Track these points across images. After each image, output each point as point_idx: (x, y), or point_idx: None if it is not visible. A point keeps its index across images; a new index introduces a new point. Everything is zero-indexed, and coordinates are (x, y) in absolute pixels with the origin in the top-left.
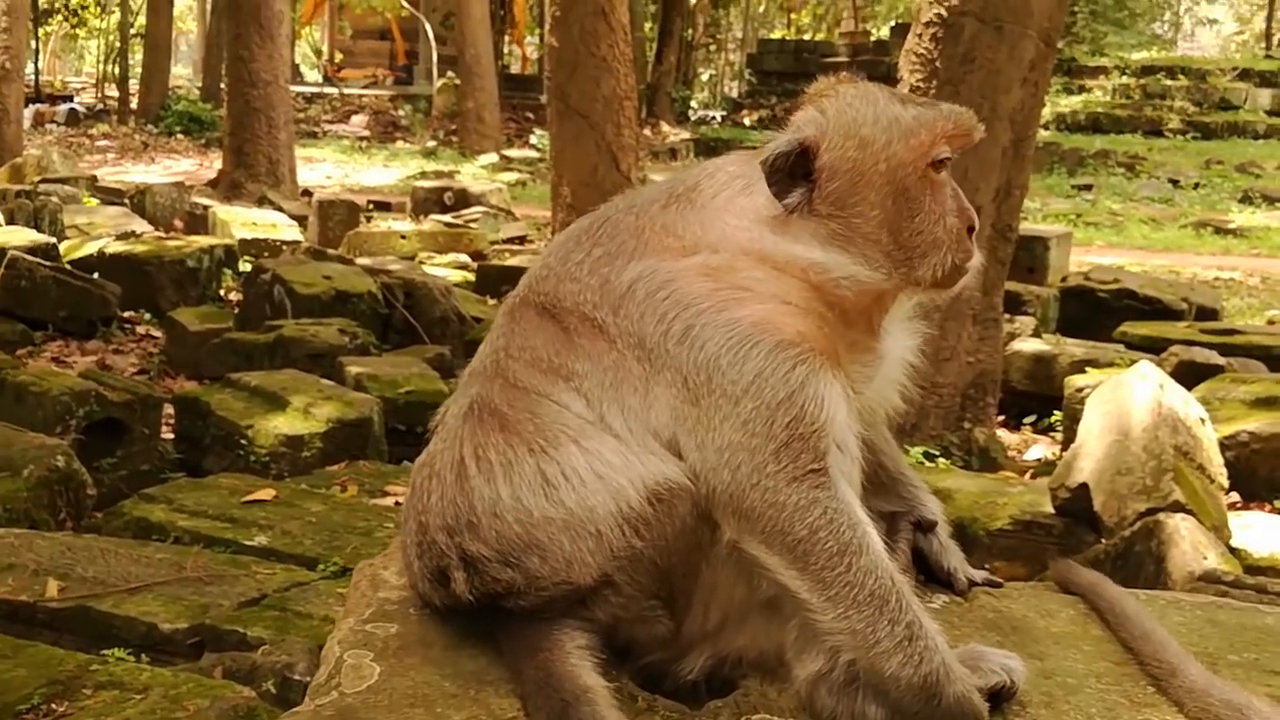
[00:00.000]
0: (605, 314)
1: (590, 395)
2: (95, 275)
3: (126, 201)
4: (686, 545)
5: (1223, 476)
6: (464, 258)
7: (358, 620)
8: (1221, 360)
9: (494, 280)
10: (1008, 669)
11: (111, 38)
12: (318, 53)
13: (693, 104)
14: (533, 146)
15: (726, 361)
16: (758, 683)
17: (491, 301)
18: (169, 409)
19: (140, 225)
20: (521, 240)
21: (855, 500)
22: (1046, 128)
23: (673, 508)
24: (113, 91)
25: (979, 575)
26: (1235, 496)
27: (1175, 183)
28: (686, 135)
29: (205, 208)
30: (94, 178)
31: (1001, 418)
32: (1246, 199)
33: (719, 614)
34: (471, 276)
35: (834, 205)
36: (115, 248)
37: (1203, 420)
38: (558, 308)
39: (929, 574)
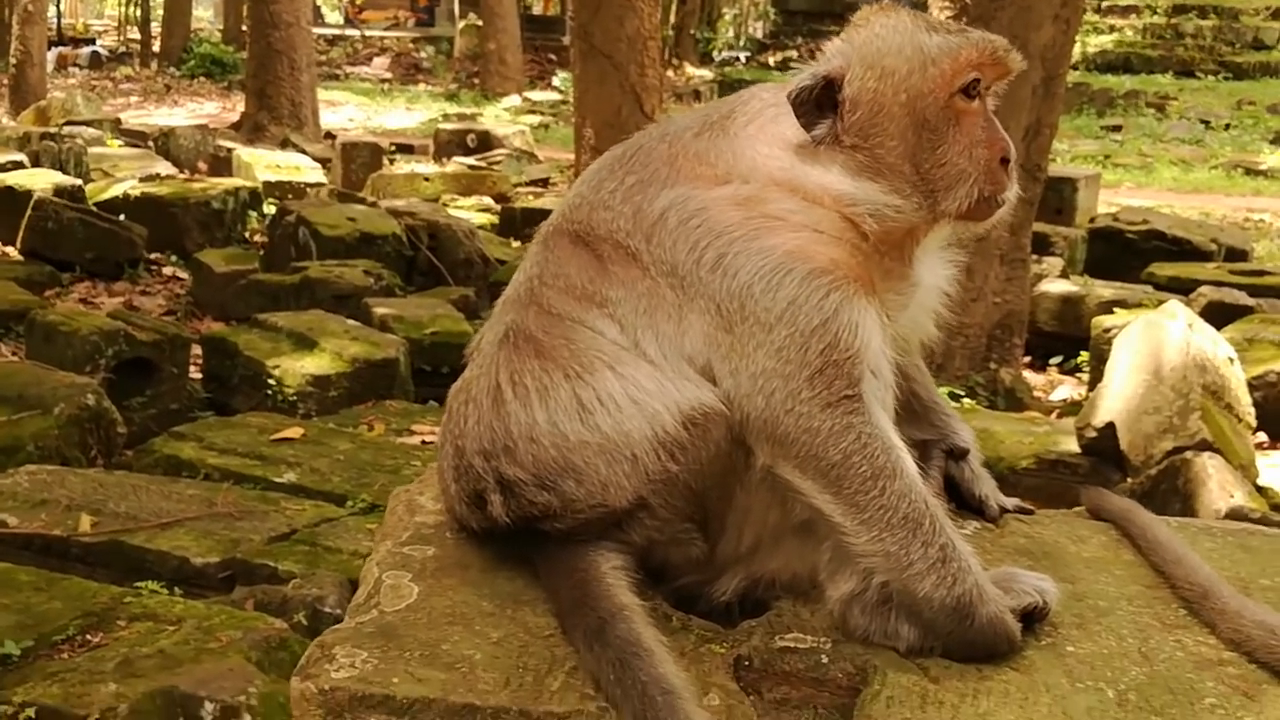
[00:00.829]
0: (638, 242)
1: (624, 322)
2: (121, 217)
3: (151, 144)
4: (721, 469)
5: (1251, 416)
6: (487, 200)
7: (395, 543)
8: (1250, 301)
9: (517, 222)
10: (1040, 590)
11: None
12: None
13: (716, 44)
14: (555, 88)
15: (759, 289)
16: (790, 604)
17: (515, 243)
18: (197, 349)
19: (164, 168)
20: (545, 183)
21: (889, 425)
22: (1076, 67)
23: (707, 432)
24: (135, 34)
25: (1010, 502)
26: (1263, 436)
27: (1206, 123)
28: (710, 76)
29: (229, 150)
30: (118, 120)
31: (1028, 359)
32: (1278, 140)
33: (753, 537)
34: (495, 219)
35: (858, 136)
36: (140, 190)
37: (1231, 360)
38: (591, 235)
39: (961, 501)
